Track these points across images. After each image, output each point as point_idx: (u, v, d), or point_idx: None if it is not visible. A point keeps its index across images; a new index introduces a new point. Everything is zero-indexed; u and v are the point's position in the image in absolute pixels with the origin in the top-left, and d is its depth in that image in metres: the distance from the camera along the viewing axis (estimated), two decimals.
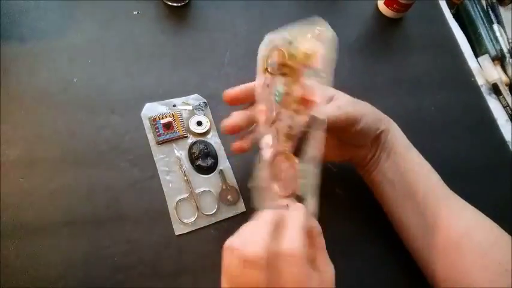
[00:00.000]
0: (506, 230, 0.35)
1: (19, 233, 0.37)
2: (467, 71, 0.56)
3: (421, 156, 0.40)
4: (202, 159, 0.42)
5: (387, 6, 0.56)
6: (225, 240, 0.29)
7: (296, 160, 0.33)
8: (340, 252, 0.42)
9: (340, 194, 0.44)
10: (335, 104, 0.36)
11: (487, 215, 0.36)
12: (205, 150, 0.42)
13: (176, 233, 0.39)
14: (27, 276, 0.36)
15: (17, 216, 0.37)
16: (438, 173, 0.40)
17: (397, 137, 0.39)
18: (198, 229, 0.40)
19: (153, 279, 0.37)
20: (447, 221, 0.36)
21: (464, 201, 0.38)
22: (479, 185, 0.39)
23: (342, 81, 0.50)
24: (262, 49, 0.33)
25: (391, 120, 0.40)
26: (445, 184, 0.39)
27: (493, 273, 0.33)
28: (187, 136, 0.43)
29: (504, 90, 0.56)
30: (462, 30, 0.60)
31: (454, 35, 0.59)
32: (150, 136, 0.42)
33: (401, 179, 0.38)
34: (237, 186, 0.42)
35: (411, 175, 0.38)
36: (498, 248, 0.34)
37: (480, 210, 0.37)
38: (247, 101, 0.37)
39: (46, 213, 0.38)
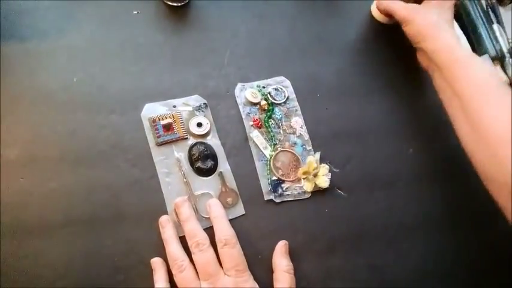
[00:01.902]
0: (506, 230, 0.35)
1: (19, 233, 0.37)
2: None
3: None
4: (202, 161, 0.42)
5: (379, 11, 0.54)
6: None
7: None
8: (340, 252, 0.42)
9: (341, 194, 0.44)
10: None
11: (487, 214, 0.36)
12: (205, 152, 0.42)
13: None
14: (27, 276, 0.36)
15: (17, 216, 0.37)
16: (438, 171, 0.40)
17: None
18: None
19: (153, 279, 0.37)
20: (496, 117, 0.37)
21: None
22: (479, 184, 0.39)
23: (340, 84, 0.50)
24: None
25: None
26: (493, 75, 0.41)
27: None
28: (187, 137, 0.43)
29: None
30: (462, 30, 0.60)
31: None
32: (150, 137, 0.42)
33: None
34: (236, 189, 0.42)
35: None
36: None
37: (480, 209, 0.37)
38: None
39: (46, 213, 0.38)
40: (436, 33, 0.44)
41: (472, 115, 0.39)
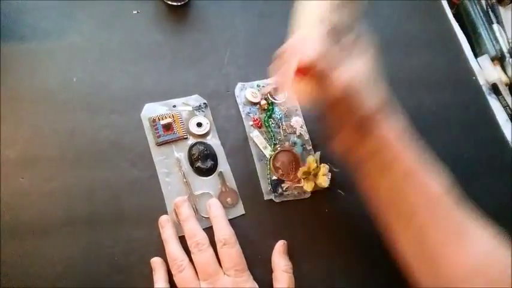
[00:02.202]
0: (506, 230, 0.35)
1: (19, 233, 0.37)
2: (468, 70, 0.56)
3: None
4: (202, 161, 0.42)
5: None
6: None
7: None
8: (340, 252, 0.42)
9: (341, 194, 0.44)
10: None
11: (487, 215, 0.36)
12: (205, 152, 0.42)
13: None
14: (27, 276, 0.36)
15: (17, 216, 0.37)
16: None
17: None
18: None
19: (152, 279, 0.37)
20: (453, 257, 0.31)
21: (480, 224, 0.32)
22: (479, 184, 0.39)
23: None
24: None
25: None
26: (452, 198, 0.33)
27: None
28: (187, 137, 0.43)
29: (504, 90, 0.56)
30: (462, 30, 0.60)
31: (454, 34, 0.59)
32: (150, 137, 0.42)
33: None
34: (236, 189, 0.42)
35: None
36: None
37: (480, 210, 0.37)
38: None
39: (46, 213, 0.38)
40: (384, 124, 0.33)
41: (427, 242, 0.32)
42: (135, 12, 0.49)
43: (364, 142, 0.34)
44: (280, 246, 0.40)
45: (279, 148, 0.45)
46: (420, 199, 0.33)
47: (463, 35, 0.60)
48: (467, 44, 0.59)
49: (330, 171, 0.44)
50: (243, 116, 0.46)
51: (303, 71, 0.33)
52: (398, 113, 0.35)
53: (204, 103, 0.45)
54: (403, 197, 0.34)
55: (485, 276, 0.30)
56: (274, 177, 0.43)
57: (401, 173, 0.33)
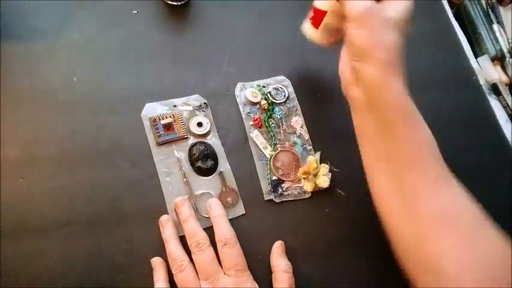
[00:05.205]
0: (506, 230, 0.35)
1: (19, 233, 0.37)
2: (468, 70, 0.56)
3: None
4: (202, 161, 0.42)
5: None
6: None
7: None
8: (340, 252, 0.42)
9: (341, 194, 0.44)
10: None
11: (487, 214, 0.36)
12: (206, 152, 0.42)
13: None
14: (27, 276, 0.36)
15: (17, 216, 0.37)
16: None
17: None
18: None
19: (153, 279, 0.37)
20: (427, 199, 0.32)
21: (455, 179, 0.34)
22: (479, 184, 0.39)
23: (340, 84, 0.50)
24: None
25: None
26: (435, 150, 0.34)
27: (467, 259, 0.30)
28: (187, 137, 0.43)
29: (504, 90, 0.56)
30: (462, 30, 0.60)
31: (454, 34, 0.59)
32: (150, 137, 0.42)
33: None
34: (236, 189, 0.42)
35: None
36: (480, 233, 0.31)
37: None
38: None
39: (46, 213, 0.38)
40: (386, 56, 0.33)
41: (403, 183, 0.34)
42: (135, 12, 0.49)
43: (357, 83, 0.36)
44: (278, 247, 0.40)
45: (279, 148, 0.45)
46: (401, 146, 0.34)
47: (463, 35, 0.60)
48: (467, 44, 0.59)
49: (330, 171, 0.44)
50: (243, 116, 0.46)
51: None
52: (401, 66, 0.35)
53: (205, 103, 0.45)
54: (387, 133, 0.34)
55: (457, 219, 0.31)
56: (274, 177, 0.43)
57: (393, 108, 0.34)
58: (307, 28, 0.45)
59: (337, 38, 0.42)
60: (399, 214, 0.34)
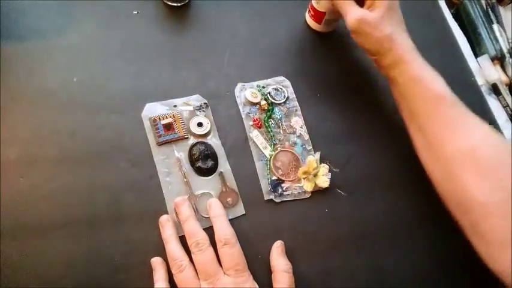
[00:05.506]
0: None
1: (19, 233, 0.37)
2: (467, 70, 0.56)
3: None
4: (203, 161, 0.42)
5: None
6: None
7: None
8: (340, 252, 0.42)
9: (341, 194, 0.44)
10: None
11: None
12: (206, 152, 0.42)
13: None
14: (27, 276, 0.36)
15: (17, 216, 0.37)
16: None
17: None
18: None
19: (153, 279, 0.37)
20: (448, 140, 0.38)
21: (476, 118, 0.39)
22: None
23: (340, 84, 0.50)
24: None
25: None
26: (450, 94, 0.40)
27: (492, 188, 0.34)
28: (187, 137, 0.43)
29: (504, 90, 0.56)
30: (462, 30, 0.60)
31: (454, 34, 0.59)
32: (150, 137, 0.42)
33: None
34: (236, 189, 0.42)
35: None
36: (503, 166, 0.35)
37: None
38: None
39: (46, 213, 0.38)
40: (390, 46, 0.41)
41: (428, 135, 0.40)
42: (135, 12, 0.49)
43: (381, 59, 0.43)
44: (277, 247, 0.40)
45: (279, 148, 0.45)
46: (421, 99, 0.40)
47: (463, 35, 0.60)
48: (467, 44, 0.59)
49: (330, 171, 0.44)
50: (243, 116, 0.46)
51: None
52: (406, 35, 0.42)
53: (205, 103, 0.45)
54: (408, 98, 0.41)
55: (479, 155, 0.36)
56: (274, 177, 0.43)
57: (408, 79, 0.41)
58: (310, 22, 0.53)
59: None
60: (432, 163, 0.40)
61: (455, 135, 0.38)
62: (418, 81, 0.40)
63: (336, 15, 0.48)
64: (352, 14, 0.42)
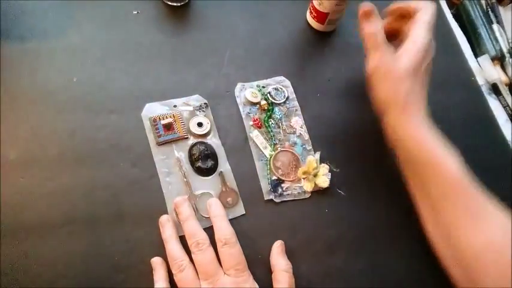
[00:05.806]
0: None
1: (19, 233, 0.37)
2: (467, 70, 0.56)
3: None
4: (202, 161, 0.42)
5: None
6: None
7: None
8: (340, 252, 0.42)
9: (340, 194, 0.44)
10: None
11: None
12: (206, 152, 0.42)
13: None
14: (27, 276, 0.36)
15: (17, 216, 0.37)
16: None
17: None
18: None
19: (153, 279, 0.37)
20: (465, 232, 0.34)
21: (489, 204, 0.35)
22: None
23: (340, 84, 0.50)
24: None
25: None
26: (467, 176, 0.35)
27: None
28: (187, 137, 0.43)
29: (504, 90, 0.56)
30: (462, 30, 0.61)
31: (454, 34, 0.59)
32: (150, 137, 0.42)
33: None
34: (236, 189, 0.42)
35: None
36: None
37: None
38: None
39: (46, 212, 0.38)
40: (403, 111, 0.37)
41: (445, 224, 0.36)
42: (135, 12, 0.49)
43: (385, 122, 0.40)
44: (277, 247, 0.40)
45: (278, 148, 0.45)
46: (436, 179, 0.36)
47: (463, 35, 0.60)
48: (467, 44, 0.59)
49: (330, 171, 0.44)
50: (243, 116, 0.46)
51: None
52: (420, 104, 0.38)
53: (205, 103, 0.45)
54: (422, 177, 0.38)
55: (497, 252, 0.33)
56: (274, 177, 0.43)
57: (422, 159, 0.37)
58: (312, 22, 0.53)
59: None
60: (442, 244, 0.37)
61: (472, 226, 0.34)
62: (434, 162, 0.36)
63: (339, 14, 0.50)
64: (375, 56, 0.39)
